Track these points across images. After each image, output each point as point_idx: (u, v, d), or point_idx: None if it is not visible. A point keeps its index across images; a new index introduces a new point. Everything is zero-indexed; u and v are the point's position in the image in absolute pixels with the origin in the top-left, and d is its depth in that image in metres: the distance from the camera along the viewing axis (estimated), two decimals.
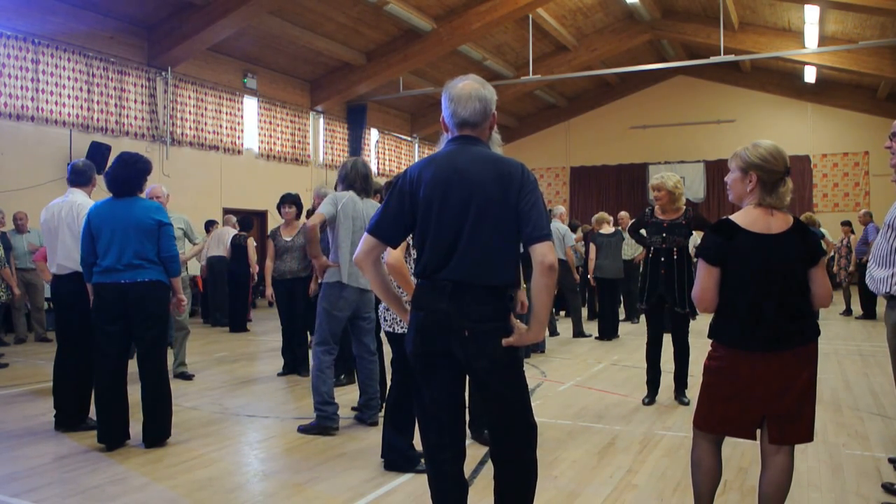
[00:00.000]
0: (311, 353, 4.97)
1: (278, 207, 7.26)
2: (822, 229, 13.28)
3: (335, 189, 4.96)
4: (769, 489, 2.76)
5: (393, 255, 3.11)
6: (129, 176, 4.53)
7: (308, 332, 8.06)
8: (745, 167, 2.76)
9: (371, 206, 4.87)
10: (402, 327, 3.92)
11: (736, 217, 2.76)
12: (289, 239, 7.04)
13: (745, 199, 2.79)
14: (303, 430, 4.79)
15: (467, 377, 2.60)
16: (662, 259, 5.51)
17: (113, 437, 4.40)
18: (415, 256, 3.77)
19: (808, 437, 2.75)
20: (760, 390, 2.69)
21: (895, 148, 3.45)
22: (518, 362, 2.54)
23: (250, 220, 11.20)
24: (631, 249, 10.32)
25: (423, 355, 2.52)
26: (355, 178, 4.81)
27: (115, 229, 4.39)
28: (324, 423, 4.70)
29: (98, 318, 4.47)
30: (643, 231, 5.86)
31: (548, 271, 2.38)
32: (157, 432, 4.46)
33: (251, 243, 10.23)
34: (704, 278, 2.74)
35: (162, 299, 4.52)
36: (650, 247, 5.61)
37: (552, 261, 2.38)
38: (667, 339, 5.71)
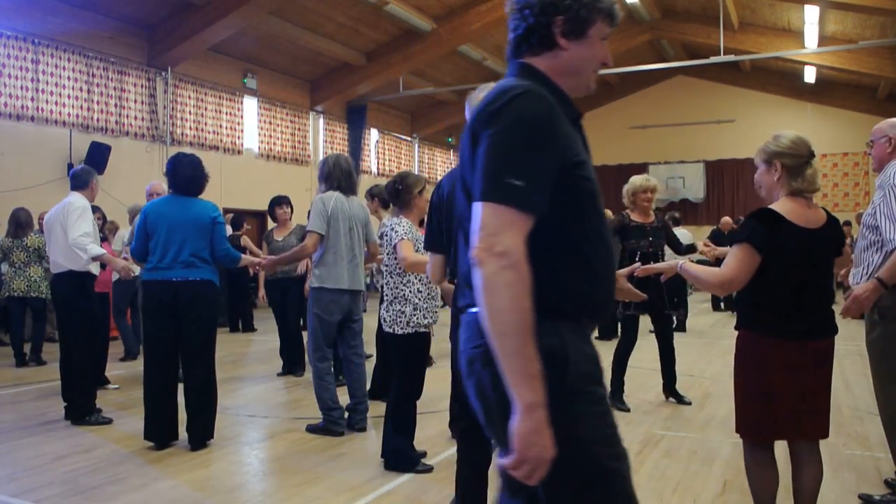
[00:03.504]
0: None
1: (270, 211, 7.25)
2: None
3: (320, 188, 4.88)
4: (811, 485, 2.79)
5: (408, 258, 3.59)
6: (194, 176, 4.56)
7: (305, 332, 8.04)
8: (768, 158, 2.77)
9: (357, 205, 4.80)
10: (402, 328, 3.92)
11: (777, 207, 2.70)
12: (280, 239, 7.04)
13: (775, 191, 2.77)
14: (311, 429, 4.80)
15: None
16: (651, 263, 5.38)
17: (161, 436, 4.42)
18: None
19: (827, 432, 2.81)
20: (797, 384, 2.68)
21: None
22: None
23: (241, 219, 11.16)
24: None
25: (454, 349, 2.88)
26: (339, 177, 4.73)
27: (173, 227, 4.39)
28: (330, 427, 4.71)
29: (148, 316, 4.49)
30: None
31: None
32: (201, 433, 4.44)
33: (246, 241, 10.01)
34: (745, 263, 2.66)
35: (212, 300, 4.50)
36: (637, 251, 5.44)
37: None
38: (650, 343, 5.70)
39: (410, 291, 3.96)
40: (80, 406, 4.99)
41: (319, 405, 4.72)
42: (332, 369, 4.84)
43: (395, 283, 3.99)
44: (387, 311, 3.99)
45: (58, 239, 5.03)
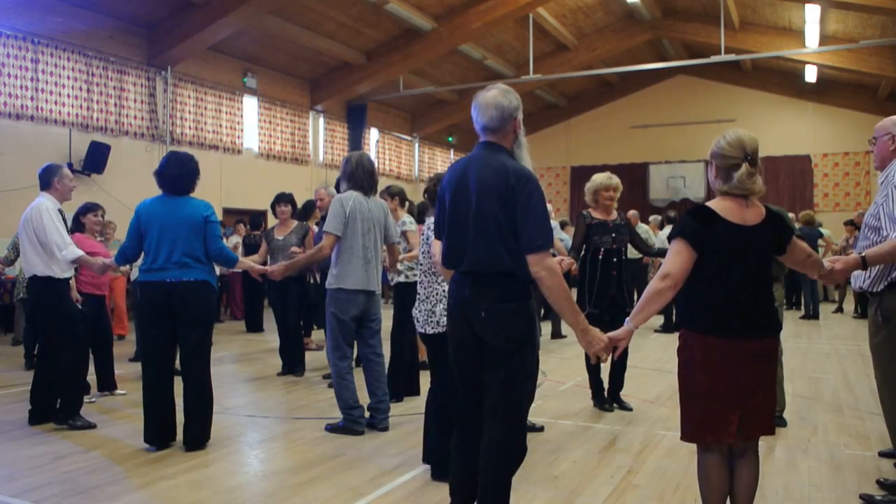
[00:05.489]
0: (326, 358, 4.93)
1: (272, 207, 7.27)
2: (823, 229, 13.26)
3: (339, 187, 4.89)
4: (747, 490, 2.76)
5: (437, 258, 3.54)
6: (180, 174, 4.51)
7: (303, 332, 8.04)
8: (709, 157, 2.79)
9: (377, 205, 4.79)
10: (432, 328, 3.85)
11: (712, 205, 2.73)
12: (281, 238, 7.02)
13: (715, 189, 2.79)
14: (330, 429, 4.78)
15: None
16: (614, 260, 5.34)
17: (159, 437, 4.41)
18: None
19: (772, 429, 2.77)
20: (735, 383, 2.65)
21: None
22: (531, 343, 2.83)
23: (259, 219, 11.20)
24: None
25: (454, 338, 2.91)
26: (362, 177, 4.73)
27: (165, 227, 4.36)
28: (350, 426, 4.70)
29: (143, 317, 4.47)
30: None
31: (541, 281, 2.67)
32: (198, 434, 4.42)
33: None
34: (680, 257, 2.66)
35: (207, 300, 4.46)
36: (600, 248, 5.36)
37: (538, 272, 2.66)
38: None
39: (444, 290, 3.84)
40: (63, 409, 4.89)
41: (340, 404, 4.71)
42: (352, 368, 4.81)
43: (428, 281, 3.91)
44: (418, 310, 3.94)
45: (24, 245, 4.92)
